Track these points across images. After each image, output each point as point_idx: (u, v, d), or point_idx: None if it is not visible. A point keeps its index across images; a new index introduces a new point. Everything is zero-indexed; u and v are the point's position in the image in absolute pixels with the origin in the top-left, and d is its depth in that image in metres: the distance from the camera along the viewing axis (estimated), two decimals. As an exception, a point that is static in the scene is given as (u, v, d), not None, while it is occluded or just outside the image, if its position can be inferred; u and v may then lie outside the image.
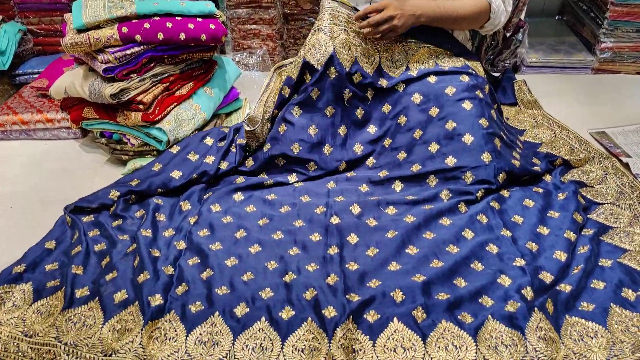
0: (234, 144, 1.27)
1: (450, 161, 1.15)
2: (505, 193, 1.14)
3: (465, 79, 1.23)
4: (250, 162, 1.25)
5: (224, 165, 1.23)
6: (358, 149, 1.26)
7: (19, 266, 0.95)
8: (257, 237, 1.04)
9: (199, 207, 1.14)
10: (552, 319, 0.81)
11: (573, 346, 0.77)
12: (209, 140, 1.29)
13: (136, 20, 1.24)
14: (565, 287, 0.87)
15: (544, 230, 1.03)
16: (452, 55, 1.32)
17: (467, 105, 1.19)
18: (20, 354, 0.80)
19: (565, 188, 1.14)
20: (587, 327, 0.80)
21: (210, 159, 1.23)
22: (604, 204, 1.11)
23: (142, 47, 1.24)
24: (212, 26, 1.31)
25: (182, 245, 1.02)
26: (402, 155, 1.22)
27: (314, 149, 1.22)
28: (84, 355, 0.78)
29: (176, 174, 1.20)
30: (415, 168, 1.18)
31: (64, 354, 0.78)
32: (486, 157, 1.13)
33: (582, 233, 1.02)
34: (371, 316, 0.82)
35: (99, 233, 1.07)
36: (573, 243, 0.98)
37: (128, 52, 1.22)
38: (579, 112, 1.52)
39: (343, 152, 1.24)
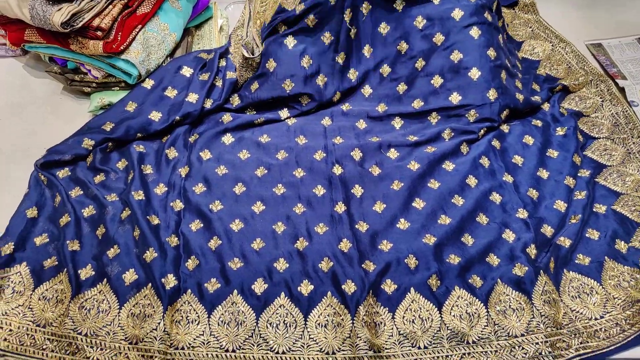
0: (219, 77, 1.13)
1: (455, 98, 1.09)
2: (505, 128, 1.12)
3: (472, -1, 1.11)
4: (236, 101, 1.13)
5: (209, 104, 1.11)
6: (352, 75, 1.16)
7: (6, 245, 0.87)
8: (258, 192, 0.99)
9: (187, 155, 1.05)
10: (553, 277, 0.87)
11: (571, 303, 0.85)
12: (186, 71, 1.13)
13: None
14: (565, 242, 0.92)
15: (544, 174, 1.04)
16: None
17: (474, 32, 1.09)
18: (37, 347, 0.78)
19: (564, 122, 1.14)
20: (584, 282, 0.87)
21: (193, 97, 1.09)
22: (599, 138, 1.13)
23: (89, -44, 1.00)
24: None
25: (179, 205, 0.96)
26: (402, 88, 1.14)
27: (307, 81, 1.11)
28: (107, 345, 0.78)
29: (155, 116, 1.07)
30: (417, 104, 1.11)
31: (87, 346, 0.77)
32: (492, 94, 1.08)
33: (579, 174, 1.05)
34: (388, 286, 0.84)
35: (82, 193, 0.98)
36: (572, 190, 1.01)
37: (73, -36, 0.98)
38: (575, 18, 1.44)
39: (337, 82, 1.14)
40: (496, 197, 0.99)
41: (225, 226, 0.93)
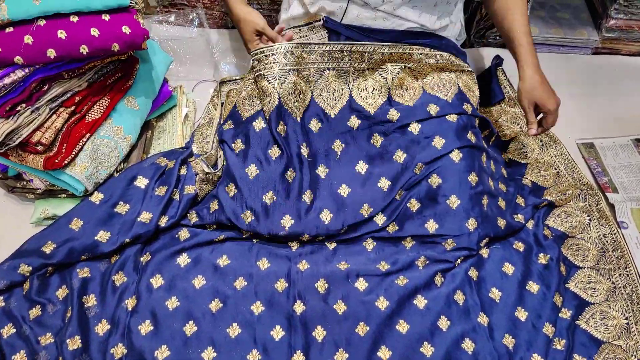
0: (177, 189, 1.03)
1: (431, 226, 1.01)
2: (484, 252, 1.04)
3: (453, 118, 1.02)
4: (194, 218, 1.04)
5: (164, 221, 1.01)
6: (308, 198, 1.05)
7: None
8: (211, 335, 0.90)
9: (136, 281, 0.96)
10: None
11: None
12: (140, 182, 1.03)
13: (11, 30, 0.86)
14: (538, 412, 0.84)
15: (522, 315, 0.96)
16: (440, 69, 1.07)
17: (455, 156, 1.01)
18: None
19: (547, 249, 1.06)
20: None
21: (146, 217, 1.00)
22: (584, 268, 1.05)
23: (27, 69, 0.89)
24: (126, 30, 0.94)
25: (120, 351, 0.87)
26: (377, 206, 1.05)
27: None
28: None
29: (102, 237, 0.98)
30: (392, 228, 1.03)
31: None
32: (471, 224, 1.00)
33: (560, 315, 0.97)
34: None
35: (14, 331, 0.89)
36: (551, 340, 0.93)
37: (7, 80, 0.87)
38: (569, 111, 1.34)
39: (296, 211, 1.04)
40: (468, 345, 0.91)
41: (169, 384, 0.84)
